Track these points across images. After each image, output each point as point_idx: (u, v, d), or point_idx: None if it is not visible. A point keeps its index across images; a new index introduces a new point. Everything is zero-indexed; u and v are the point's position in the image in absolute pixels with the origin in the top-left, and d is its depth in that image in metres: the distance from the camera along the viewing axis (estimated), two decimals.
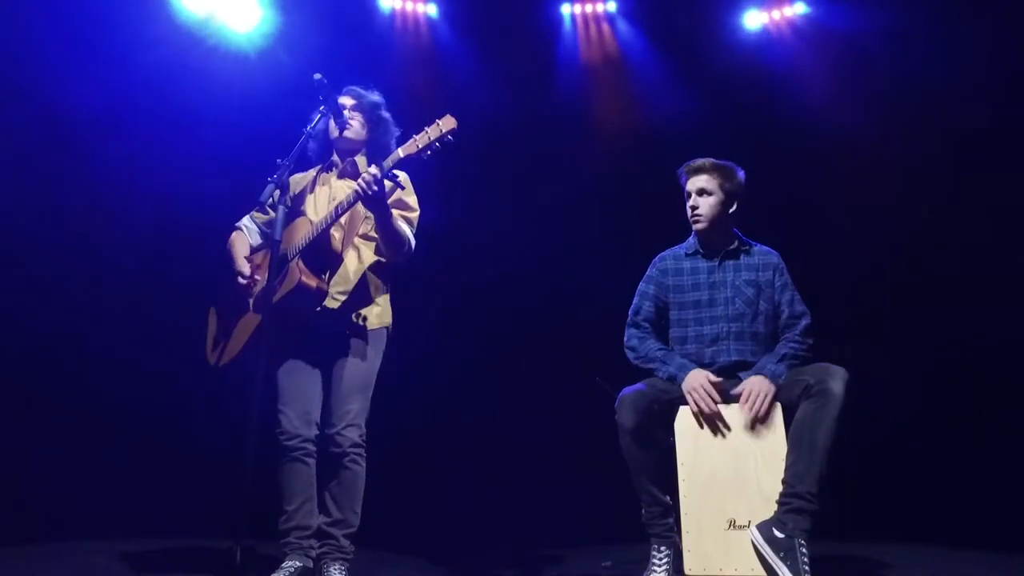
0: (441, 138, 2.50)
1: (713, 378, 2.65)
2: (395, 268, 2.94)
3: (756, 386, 2.61)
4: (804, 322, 2.82)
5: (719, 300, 2.85)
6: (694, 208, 2.89)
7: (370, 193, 2.54)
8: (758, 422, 2.58)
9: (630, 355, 2.90)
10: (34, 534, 3.49)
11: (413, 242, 2.86)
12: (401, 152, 2.56)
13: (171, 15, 4.56)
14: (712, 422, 2.62)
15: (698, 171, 2.92)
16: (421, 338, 4.31)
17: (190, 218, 4.23)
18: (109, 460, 4.08)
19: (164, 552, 3.40)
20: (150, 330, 4.29)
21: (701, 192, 2.88)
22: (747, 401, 2.60)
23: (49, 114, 4.18)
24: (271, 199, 2.53)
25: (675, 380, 2.71)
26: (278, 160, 2.50)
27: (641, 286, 2.98)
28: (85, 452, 4.02)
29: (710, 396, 2.61)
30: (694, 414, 2.64)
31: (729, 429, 2.61)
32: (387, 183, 2.64)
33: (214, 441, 3.81)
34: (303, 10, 4.73)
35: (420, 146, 2.52)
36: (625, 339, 2.94)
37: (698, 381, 2.64)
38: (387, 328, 2.90)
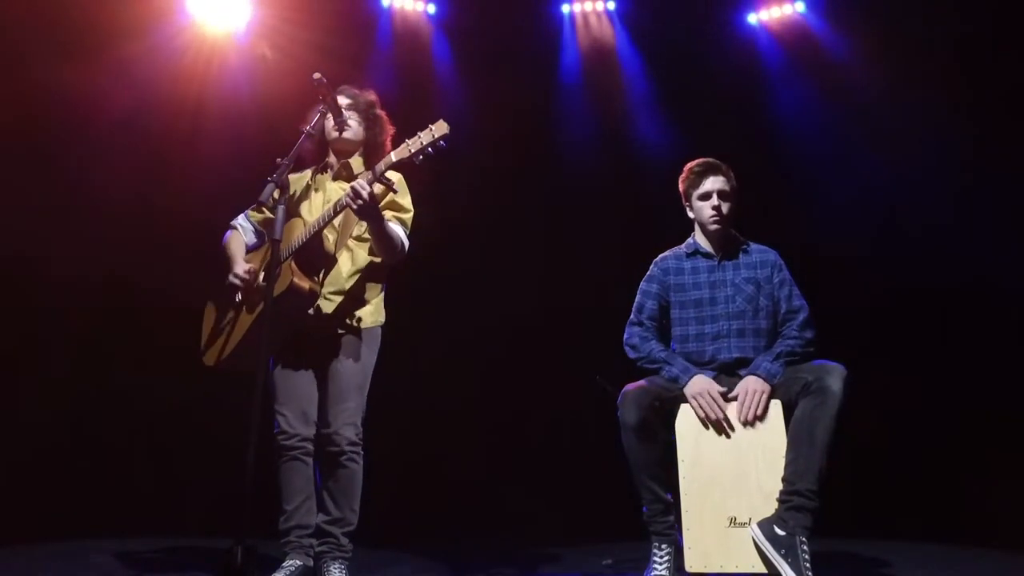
0: (433, 143, 2.51)
1: (718, 387, 2.65)
2: (390, 268, 2.93)
3: (751, 387, 2.62)
4: (802, 316, 2.81)
5: (720, 298, 2.84)
6: (717, 209, 2.85)
7: (357, 205, 2.55)
8: (757, 420, 2.59)
9: (630, 353, 2.88)
10: (34, 534, 3.49)
11: (407, 243, 2.85)
12: (394, 156, 2.56)
13: (169, 15, 4.57)
14: (715, 423, 2.63)
15: (718, 171, 2.89)
16: (421, 336, 4.33)
17: (190, 218, 4.23)
18: (109, 460, 4.08)
19: (164, 552, 3.40)
20: (150, 329, 4.28)
21: (722, 193, 2.87)
22: (742, 404, 2.60)
23: (47, 115, 4.18)
24: (271, 199, 2.53)
25: (678, 381, 2.70)
26: (278, 160, 2.50)
27: (643, 285, 2.96)
28: (85, 452, 4.02)
29: (715, 402, 2.61)
30: (698, 417, 2.64)
31: (730, 427, 2.62)
32: (379, 187, 2.64)
33: (215, 440, 3.80)
34: (302, 9, 4.73)
35: (412, 151, 2.53)
36: (626, 337, 2.92)
37: (703, 387, 2.64)
38: (380, 327, 2.90)
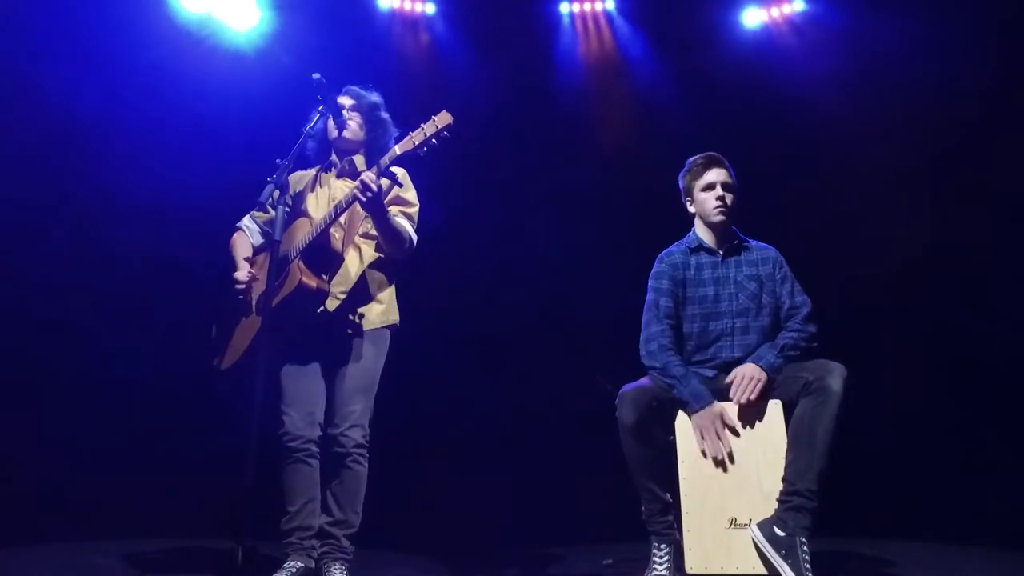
0: (437, 134, 2.50)
1: (726, 419, 2.60)
2: (398, 265, 2.92)
3: (746, 373, 2.61)
4: (804, 310, 2.80)
5: (724, 296, 2.83)
6: (721, 199, 2.84)
7: (366, 197, 2.54)
8: (754, 417, 2.59)
9: (647, 359, 2.75)
10: (34, 534, 3.49)
11: (415, 238, 2.84)
12: (398, 149, 2.56)
13: (170, 15, 4.57)
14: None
15: (720, 164, 2.90)
16: (421, 337, 4.31)
17: (191, 219, 4.24)
18: (109, 460, 4.07)
19: (164, 552, 3.39)
20: (151, 330, 4.29)
21: (726, 185, 2.87)
22: (736, 388, 2.60)
23: (48, 115, 4.18)
24: (271, 199, 2.53)
25: (686, 406, 2.64)
26: (277, 160, 2.50)
27: (653, 282, 2.88)
28: (85, 452, 4.02)
29: (719, 438, 2.57)
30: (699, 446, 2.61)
31: (730, 429, 2.61)
32: (385, 181, 2.63)
33: (216, 441, 3.80)
34: (302, 10, 4.73)
35: (416, 143, 2.52)
36: (645, 336, 2.79)
37: (711, 420, 2.59)
38: (391, 327, 2.88)
